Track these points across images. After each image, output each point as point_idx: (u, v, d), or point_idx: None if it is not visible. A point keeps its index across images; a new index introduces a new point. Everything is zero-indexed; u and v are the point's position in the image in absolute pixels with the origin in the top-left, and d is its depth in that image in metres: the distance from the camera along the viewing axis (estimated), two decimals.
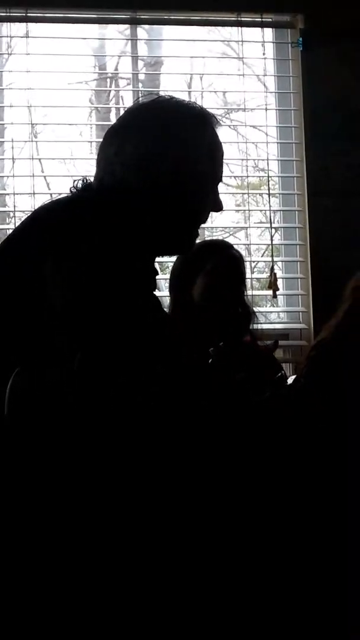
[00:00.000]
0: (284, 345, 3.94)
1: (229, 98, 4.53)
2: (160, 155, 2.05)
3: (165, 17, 4.08)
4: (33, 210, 2.26)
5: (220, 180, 2.17)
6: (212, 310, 2.93)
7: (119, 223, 1.93)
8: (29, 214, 2.14)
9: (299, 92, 4.00)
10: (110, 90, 4.73)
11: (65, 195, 2.09)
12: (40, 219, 2.02)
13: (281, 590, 1.98)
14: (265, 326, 3.83)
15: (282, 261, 4.07)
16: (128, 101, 4.24)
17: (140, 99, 2.20)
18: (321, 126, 3.94)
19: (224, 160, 2.16)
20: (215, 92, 4.49)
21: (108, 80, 4.64)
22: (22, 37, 3.91)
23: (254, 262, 4.39)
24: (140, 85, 4.21)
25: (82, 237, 1.87)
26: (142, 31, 4.23)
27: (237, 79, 4.13)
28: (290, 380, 2.69)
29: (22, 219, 2.15)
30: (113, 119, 4.85)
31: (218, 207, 2.17)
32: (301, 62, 3.98)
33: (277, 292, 3.92)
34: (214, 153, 2.13)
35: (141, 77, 4.33)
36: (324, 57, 3.94)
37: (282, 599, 1.98)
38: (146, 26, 4.23)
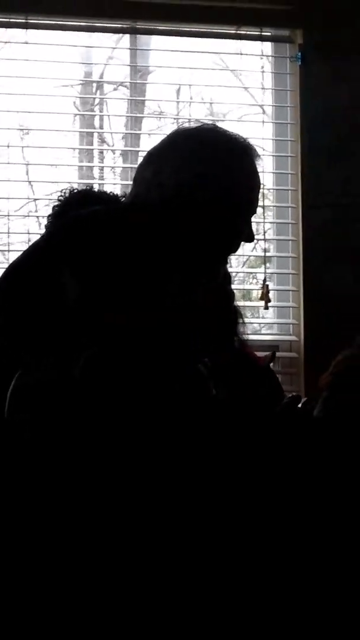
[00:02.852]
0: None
1: (226, 110, 4.54)
2: (200, 182, 2.09)
3: (165, 28, 4.10)
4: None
5: (255, 212, 2.21)
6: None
7: (143, 237, 1.97)
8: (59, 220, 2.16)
9: (296, 106, 4.03)
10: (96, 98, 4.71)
11: (98, 208, 2.11)
12: (70, 225, 2.06)
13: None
14: (256, 337, 3.87)
15: (274, 273, 4.09)
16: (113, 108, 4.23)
17: (182, 125, 2.24)
18: (317, 140, 3.97)
19: (259, 193, 2.21)
20: (211, 103, 4.49)
21: (94, 85, 4.62)
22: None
23: (246, 273, 4.40)
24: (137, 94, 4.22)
25: (105, 245, 1.90)
26: (129, 39, 4.20)
27: (234, 91, 4.16)
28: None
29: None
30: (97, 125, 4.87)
31: (250, 238, 2.21)
32: (299, 76, 4.01)
33: (269, 304, 3.94)
34: (252, 185, 2.19)
35: (141, 87, 4.32)
36: (322, 72, 3.97)
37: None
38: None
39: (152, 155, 2.18)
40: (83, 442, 1.84)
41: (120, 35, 4.13)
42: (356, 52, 3.98)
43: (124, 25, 4.05)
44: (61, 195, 2.71)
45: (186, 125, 2.25)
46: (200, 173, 2.08)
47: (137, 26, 4.05)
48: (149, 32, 4.14)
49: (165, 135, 2.26)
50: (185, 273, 2.17)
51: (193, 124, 2.24)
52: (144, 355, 1.89)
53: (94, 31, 4.08)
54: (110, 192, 2.35)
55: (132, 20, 4.03)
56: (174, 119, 4.28)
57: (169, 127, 4.10)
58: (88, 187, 2.97)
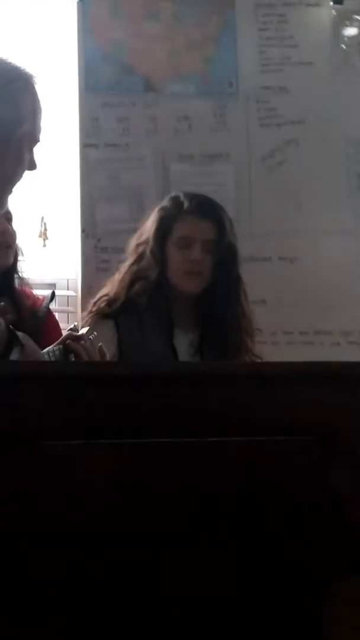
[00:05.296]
0: None
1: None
2: None
3: None
4: None
5: (39, 140, 2.21)
6: None
7: None
8: None
9: (74, 44, 4.03)
10: None
11: None
12: None
13: None
14: (33, 276, 3.87)
15: (52, 212, 4.09)
16: None
17: None
18: (95, 79, 4.00)
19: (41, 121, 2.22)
20: None
21: None
22: None
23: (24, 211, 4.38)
24: None
25: None
26: None
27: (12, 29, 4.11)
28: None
29: None
30: None
31: (33, 166, 2.22)
32: (77, 13, 4.02)
33: (47, 242, 3.94)
34: (35, 114, 2.19)
35: None
36: (100, 9, 3.99)
37: None
38: None
39: None
40: None
41: None
42: None
43: None
44: None
45: None
46: None
47: None
48: None
49: None
50: None
51: None
52: None
53: None
54: None
55: None
56: None
57: None
58: None
